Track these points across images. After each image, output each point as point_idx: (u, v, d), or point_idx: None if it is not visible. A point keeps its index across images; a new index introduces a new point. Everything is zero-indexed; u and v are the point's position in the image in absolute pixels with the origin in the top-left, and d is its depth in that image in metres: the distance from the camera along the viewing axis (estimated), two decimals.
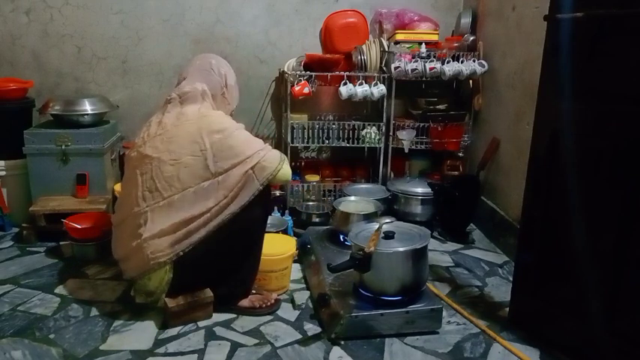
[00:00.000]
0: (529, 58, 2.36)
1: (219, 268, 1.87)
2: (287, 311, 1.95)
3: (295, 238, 2.31)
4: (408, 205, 2.76)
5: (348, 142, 2.91)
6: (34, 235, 2.53)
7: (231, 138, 1.81)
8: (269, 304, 1.93)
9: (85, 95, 2.81)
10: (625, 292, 1.52)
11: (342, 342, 1.74)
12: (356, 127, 2.89)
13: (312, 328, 1.84)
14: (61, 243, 2.50)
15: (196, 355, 1.67)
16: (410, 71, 2.74)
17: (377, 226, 1.90)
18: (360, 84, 2.78)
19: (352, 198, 2.50)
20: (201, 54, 2.12)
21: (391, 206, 2.74)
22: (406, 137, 2.87)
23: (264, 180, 1.80)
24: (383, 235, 1.83)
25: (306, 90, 2.75)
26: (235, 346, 1.72)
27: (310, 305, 1.99)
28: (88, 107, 2.67)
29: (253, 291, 1.97)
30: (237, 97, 2.08)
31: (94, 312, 1.92)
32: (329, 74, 2.80)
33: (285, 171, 1.87)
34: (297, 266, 2.26)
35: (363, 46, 2.87)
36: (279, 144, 3.16)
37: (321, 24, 3.08)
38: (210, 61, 2.00)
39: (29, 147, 2.57)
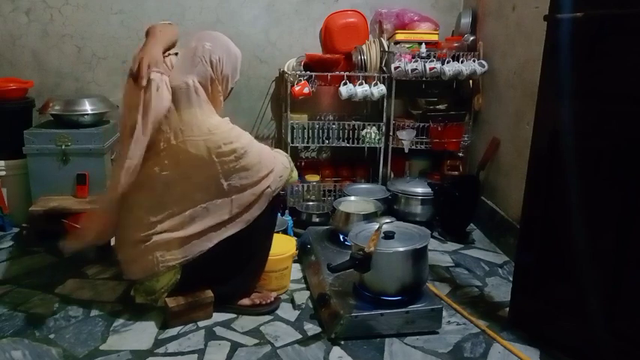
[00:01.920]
0: (529, 58, 2.36)
1: (225, 269, 1.87)
2: (287, 311, 1.95)
3: (295, 238, 2.30)
4: (408, 205, 2.76)
5: (348, 142, 2.91)
6: (34, 235, 2.53)
7: (243, 159, 1.75)
8: (269, 301, 1.93)
9: (85, 95, 2.80)
10: (625, 292, 1.52)
11: (342, 342, 1.74)
12: (356, 127, 2.89)
13: (312, 328, 1.84)
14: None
15: (196, 355, 1.67)
16: (410, 71, 2.74)
17: (377, 226, 1.90)
18: (360, 84, 2.78)
19: (352, 198, 2.51)
20: (204, 32, 1.90)
21: (391, 206, 2.74)
22: (406, 137, 2.87)
23: (276, 192, 1.85)
24: (383, 235, 1.83)
25: (306, 90, 2.75)
26: (235, 346, 1.72)
27: (310, 305, 1.99)
28: (88, 107, 2.66)
29: None
30: (231, 82, 1.90)
31: (94, 312, 1.92)
32: (329, 74, 2.79)
33: (294, 176, 1.94)
34: (297, 266, 2.26)
35: (363, 46, 2.87)
36: (279, 144, 3.16)
37: (321, 24, 3.08)
38: (203, 46, 1.79)
39: (29, 147, 2.57)
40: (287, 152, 2.81)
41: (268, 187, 1.81)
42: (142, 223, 1.78)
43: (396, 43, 2.87)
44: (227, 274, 1.88)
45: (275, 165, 1.85)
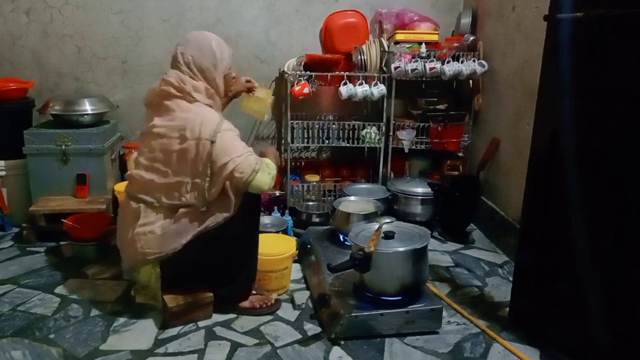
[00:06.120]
0: (529, 58, 2.36)
1: (213, 271, 1.87)
2: (287, 311, 1.95)
3: (295, 238, 2.31)
4: (408, 205, 2.77)
5: (348, 142, 2.91)
6: (34, 235, 2.53)
7: (213, 145, 1.72)
8: (269, 304, 1.93)
9: (85, 95, 2.81)
10: (625, 292, 1.52)
11: (342, 342, 1.74)
12: (356, 127, 2.89)
13: (312, 328, 1.84)
14: (61, 243, 2.50)
15: (196, 355, 1.67)
16: (410, 71, 2.74)
17: (377, 226, 1.90)
18: (360, 84, 2.78)
19: (352, 198, 2.50)
20: (182, 37, 1.92)
21: (391, 206, 2.74)
22: (406, 137, 2.87)
23: (238, 192, 1.77)
24: (383, 235, 1.83)
25: (306, 90, 2.75)
26: (235, 346, 1.73)
27: (310, 305, 1.99)
28: (88, 107, 2.67)
29: (253, 292, 1.97)
30: (220, 82, 1.88)
31: (94, 312, 1.92)
32: (329, 74, 2.79)
33: (259, 180, 1.75)
34: (297, 266, 2.26)
35: (363, 46, 2.87)
36: (279, 144, 3.16)
37: (321, 24, 3.08)
38: (176, 51, 1.85)
39: (29, 147, 2.57)
40: (287, 152, 2.83)
41: (228, 175, 1.73)
42: (133, 207, 1.82)
43: (396, 43, 2.87)
44: (218, 277, 1.88)
45: (242, 154, 1.75)
